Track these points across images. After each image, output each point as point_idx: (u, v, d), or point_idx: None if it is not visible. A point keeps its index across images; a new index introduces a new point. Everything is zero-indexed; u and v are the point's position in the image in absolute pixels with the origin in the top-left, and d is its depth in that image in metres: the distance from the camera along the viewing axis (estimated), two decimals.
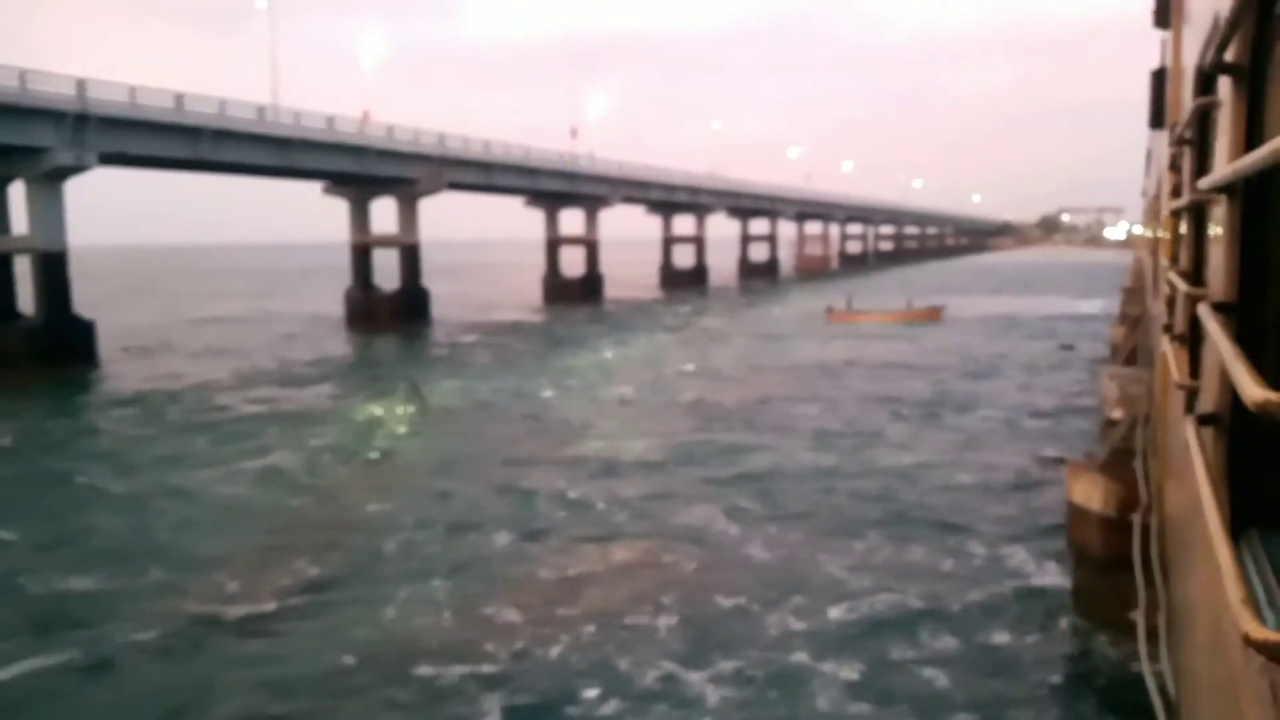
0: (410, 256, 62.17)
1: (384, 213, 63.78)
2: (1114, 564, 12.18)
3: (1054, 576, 15.33)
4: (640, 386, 34.46)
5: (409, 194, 60.80)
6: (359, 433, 26.86)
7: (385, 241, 62.51)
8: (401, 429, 27.73)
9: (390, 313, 61.15)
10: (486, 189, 69.41)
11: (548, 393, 33.58)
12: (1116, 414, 20.28)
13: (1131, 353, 24.49)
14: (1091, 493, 13.98)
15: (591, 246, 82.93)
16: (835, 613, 13.79)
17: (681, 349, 47.28)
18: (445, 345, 51.90)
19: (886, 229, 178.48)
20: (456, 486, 20.83)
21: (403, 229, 61.90)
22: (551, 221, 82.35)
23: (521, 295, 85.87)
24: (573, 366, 40.29)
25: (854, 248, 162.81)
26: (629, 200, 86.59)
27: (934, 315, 59.11)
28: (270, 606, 14.00)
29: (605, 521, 18.30)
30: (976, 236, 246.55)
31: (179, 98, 44.13)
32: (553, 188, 73.90)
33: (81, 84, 39.57)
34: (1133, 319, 34.35)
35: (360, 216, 62.64)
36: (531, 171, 69.65)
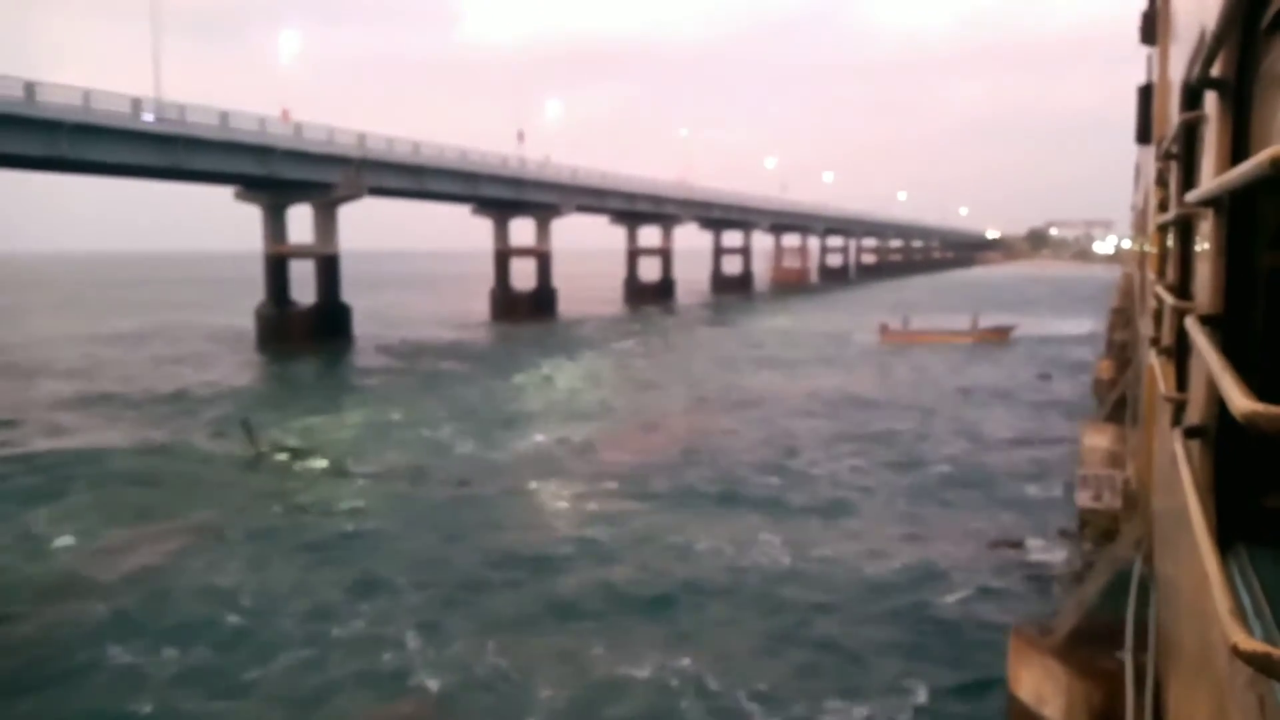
0: (328, 268, 56.34)
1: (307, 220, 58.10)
2: None
3: None
4: (560, 432, 28.53)
5: (325, 200, 55.02)
6: (112, 506, 20.76)
7: (301, 252, 56.67)
8: (190, 498, 21.84)
9: (305, 331, 55.30)
10: (418, 195, 63.65)
11: (446, 437, 27.74)
12: (1092, 501, 14.71)
13: (1119, 401, 18.83)
14: (1046, 690, 8.25)
15: (543, 258, 77.21)
16: None
17: (624, 376, 41.60)
18: (356, 370, 46.19)
19: (869, 242, 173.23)
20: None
21: (319, 238, 56.10)
22: (501, 231, 76.64)
23: (468, 310, 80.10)
24: (490, 399, 34.47)
25: (834, 261, 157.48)
26: (584, 209, 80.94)
27: (1002, 336, 53.29)
28: None
29: None
30: (963, 250, 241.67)
31: (30, 86, 38.35)
32: (497, 195, 68.20)
33: None
34: (1120, 352, 28.77)
35: (276, 225, 56.80)
36: (470, 176, 63.96)
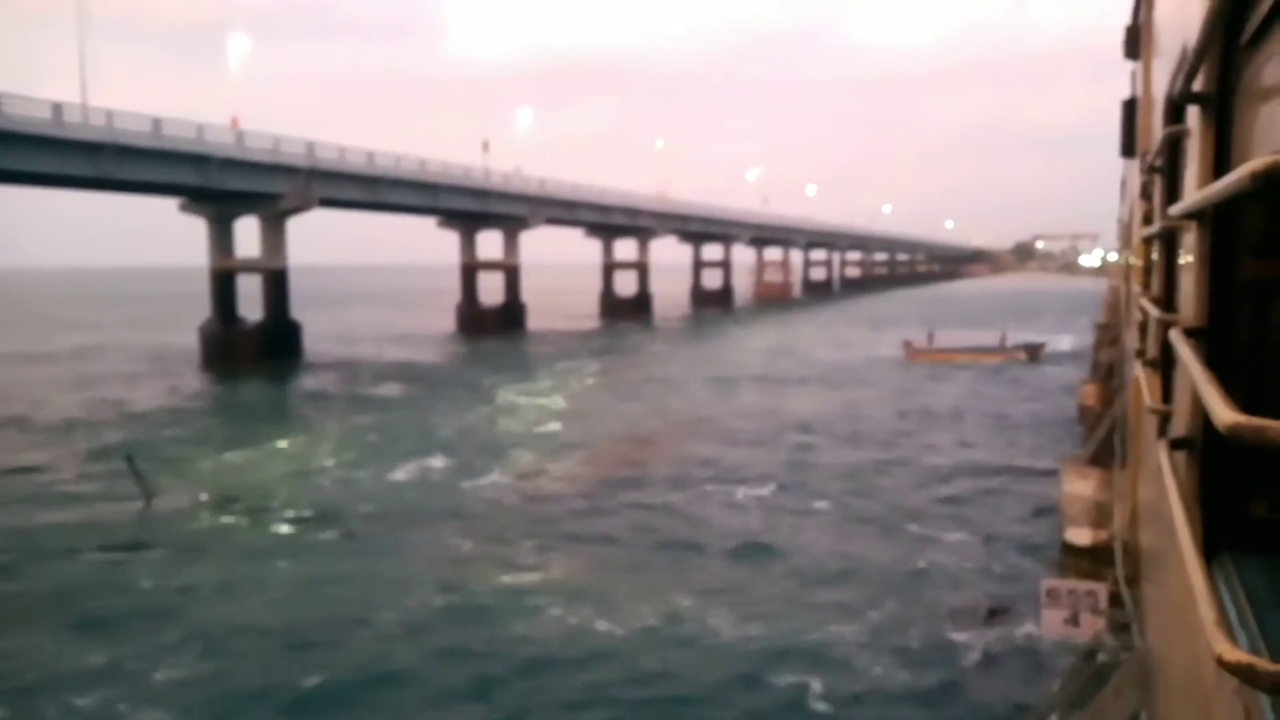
0: (276, 284, 53.50)
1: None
2: None
3: None
4: (499, 468, 25.76)
5: (272, 212, 52.23)
6: None
7: (248, 267, 53.84)
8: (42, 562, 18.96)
9: (253, 350, 52.42)
10: (374, 207, 60.90)
11: (368, 477, 24.80)
12: (1065, 625, 11.92)
13: (1107, 439, 16.15)
14: None
15: (511, 272, 74.53)
16: None
17: (586, 400, 38.86)
18: (298, 393, 43.32)
19: (853, 255, 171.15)
20: None
21: (266, 252, 53.28)
22: (467, 244, 73.97)
23: (433, 326, 77.28)
24: (432, 429, 31.58)
25: (818, 274, 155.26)
26: (555, 222, 78.31)
27: (1032, 355, 50.80)
28: None
29: None
30: (949, 264, 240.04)
31: None
32: (459, 206, 65.52)
33: None
34: (1106, 374, 26.18)
35: (222, 238, 54.00)
36: (430, 188, 61.26)
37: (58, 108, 39.92)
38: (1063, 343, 58.01)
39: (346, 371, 48.84)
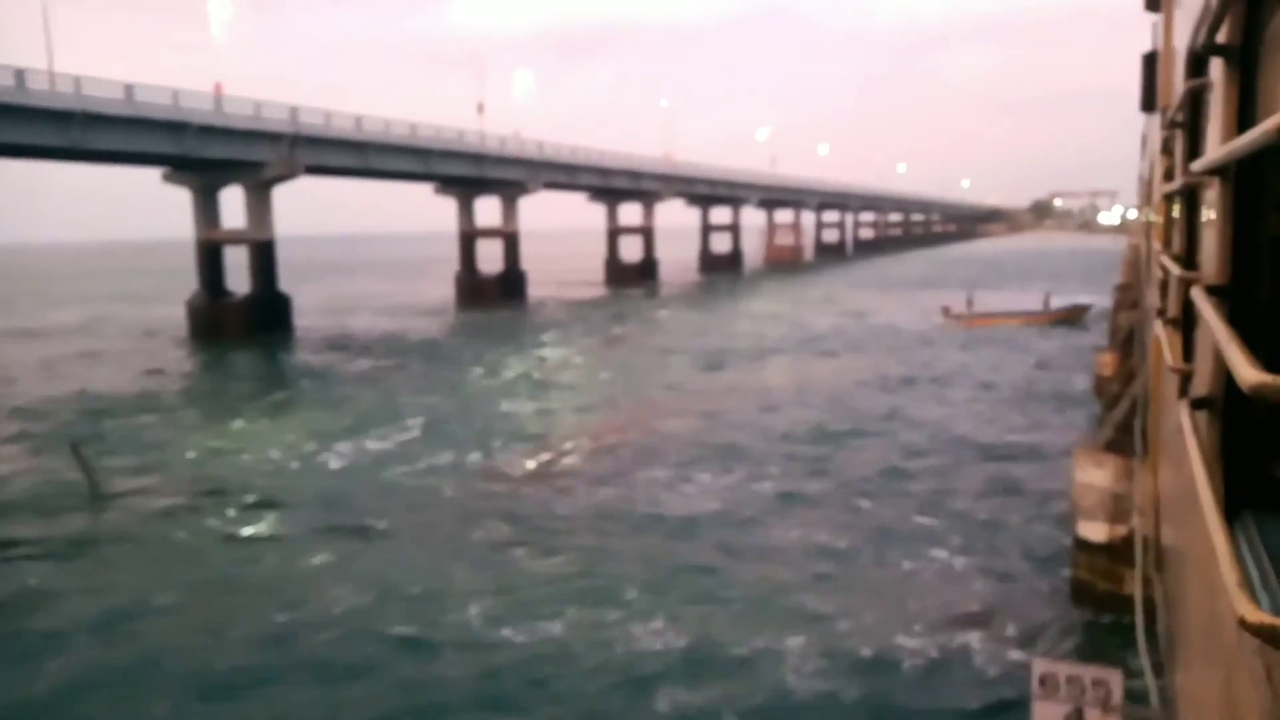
0: (263, 255, 51.81)
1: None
2: None
3: None
4: (478, 453, 24.21)
5: (257, 180, 50.43)
6: None
7: (234, 238, 52.19)
8: None
9: (241, 323, 50.92)
10: (364, 174, 58.95)
11: (338, 461, 23.28)
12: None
13: (1126, 420, 14.17)
14: None
15: (510, 239, 72.54)
16: None
17: (580, 375, 37.18)
18: (284, 369, 41.86)
19: (866, 216, 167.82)
20: None
21: (252, 222, 51.53)
22: (465, 211, 72.01)
23: (432, 295, 75.65)
24: (415, 407, 29.98)
25: (830, 237, 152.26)
26: (554, 186, 76.12)
27: (1076, 315, 48.70)
28: None
29: None
30: (965, 223, 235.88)
31: None
32: (454, 172, 63.48)
33: None
34: (1126, 342, 24.15)
35: (207, 208, 52.35)
36: (422, 153, 59.22)
37: (20, 74, 38.11)
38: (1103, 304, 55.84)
39: (335, 345, 47.30)
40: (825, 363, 38.15)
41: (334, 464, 22.96)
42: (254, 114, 48.13)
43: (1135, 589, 9.78)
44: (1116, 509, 13.83)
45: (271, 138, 49.18)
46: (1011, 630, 13.05)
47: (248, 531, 17.92)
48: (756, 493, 19.57)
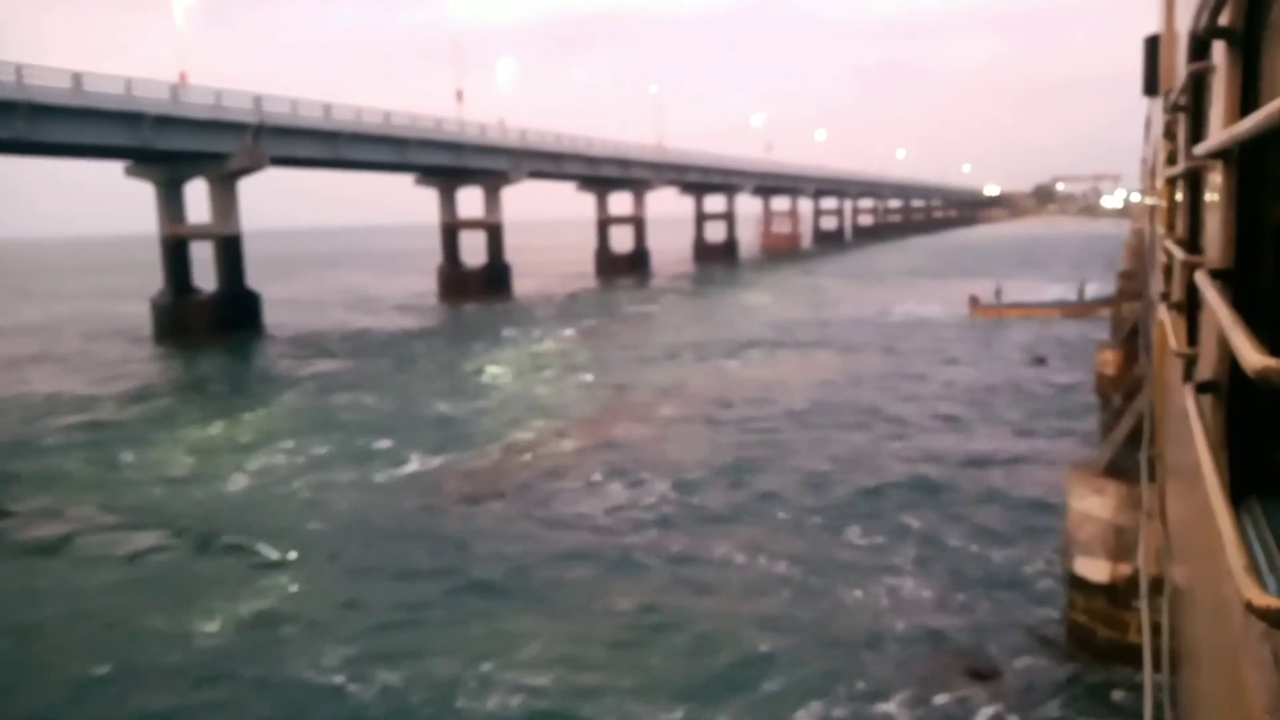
0: (229, 251, 49.70)
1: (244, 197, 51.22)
2: None
3: None
4: (430, 463, 22.29)
5: (221, 173, 48.31)
6: None
7: (199, 233, 50.12)
8: None
9: (208, 322, 48.89)
10: (335, 164, 56.72)
11: (297, 467, 21.47)
12: None
13: (1130, 439, 12.01)
14: None
15: (494, 230, 70.30)
16: None
17: (558, 375, 35.15)
18: (245, 372, 39.97)
19: (865, 203, 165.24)
20: None
21: (216, 216, 49.46)
22: (447, 202, 69.79)
23: (414, 289, 73.60)
24: (371, 413, 28.10)
25: (829, 224, 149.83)
26: (539, 175, 73.89)
27: (1115, 308, 45.79)
28: None
29: None
30: (966, 209, 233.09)
31: None
32: (432, 161, 61.28)
33: None
34: (1130, 337, 22.00)
35: (171, 203, 50.21)
36: (398, 142, 57.03)
37: None
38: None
39: (306, 345, 45.32)
40: (814, 363, 36.09)
41: (253, 480, 20.97)
42: (214, 103, 45.96)
43: (1144, 640, 7.93)
44: (1119, 544, 11.75)
45: (234, 128, 47.03)
46: (996, 691, 11.01)
47: (121, 559, 15.93)
48: (700, 513, 17.54)
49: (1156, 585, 8.15)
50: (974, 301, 47.99)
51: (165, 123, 43.78)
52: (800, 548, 15.62)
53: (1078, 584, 11.86)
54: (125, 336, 49.81)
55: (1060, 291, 50.26)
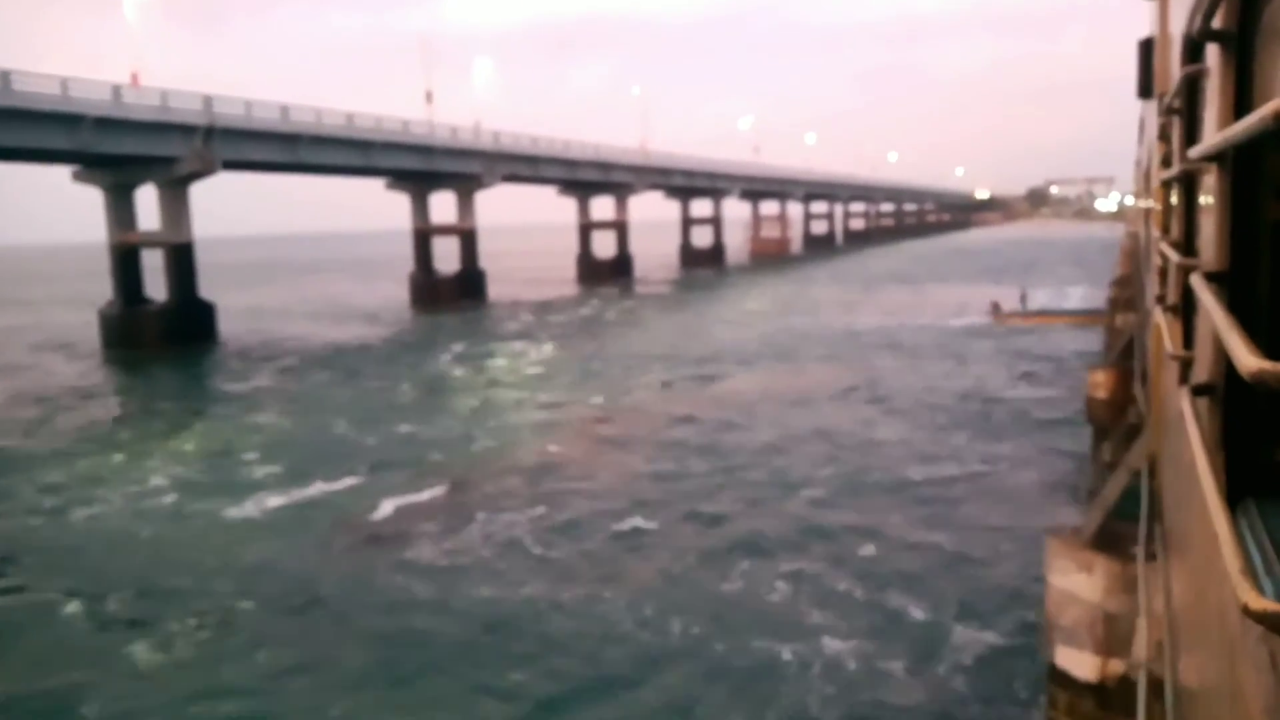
0: (180, 259, 47.38)
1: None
2: None
3: None
4: (367, 489, 19.96)
5: (170, 178, 46.01)
6: None
7: (150, 241, 47.80)
8: None
9: (158, 333, 46.56)
10: (294, 168, 54.44)
11: (217, 498, 19.14)
12: None
13: (1124, 499, 9.67)
14: None
15: (467, 236, 68.09)
16: None
17: (525, 390, 32.84)
18: (195, 387, 37.58)
19: (857, 207, 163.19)
20: None
21: (166, 223, 47.15)
22: (420, 207, 67.56)
23: (386, 297, 71.26)
24: (308, 435, 25.87)
25: (819, 228, 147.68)
26: (515, 179, 71.63)
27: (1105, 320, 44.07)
28: None
29: None
30: (959, 212, 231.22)
31: None
32: (399, 165, 59.03)
33: None
34: (1124, 353, 19.74)
35: (121, 209, 47.96)
36: (362, 145, 54.76)
37: None
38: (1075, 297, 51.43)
39: (261, 358, 42.92)
40: (797, 377, 33.81)
41: (166, 515, 18.66)
42: (160, 104, 43.65)
43: None
44: (1110, 634, 9.46)
45: (183, 130, 44.76)
46: None
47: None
48: (643, 554, 15.25)
49: (1157, 688, 6.08)
50: (995, 308, 45.88)
51: (107, 125, 41.48)
52: (728, 609, 13.33)
53: (1060, 679, 9.56)
54: (74, 348, 47.41)
55: (1082, 295, 48.05)
